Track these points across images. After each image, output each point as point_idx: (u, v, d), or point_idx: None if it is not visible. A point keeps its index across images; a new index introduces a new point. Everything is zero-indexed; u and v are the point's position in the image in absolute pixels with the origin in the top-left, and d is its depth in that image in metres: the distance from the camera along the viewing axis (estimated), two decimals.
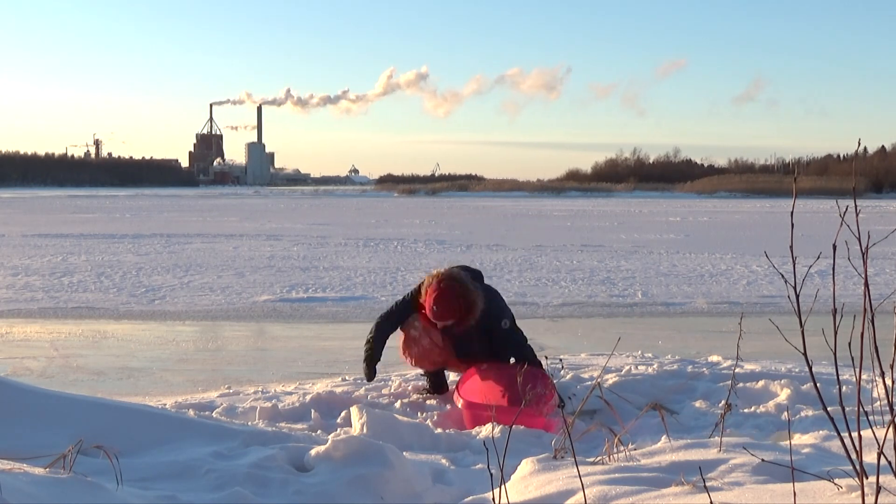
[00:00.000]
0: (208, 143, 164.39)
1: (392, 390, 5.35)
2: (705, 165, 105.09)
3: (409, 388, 5.33)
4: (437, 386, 5.23)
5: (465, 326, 4.98)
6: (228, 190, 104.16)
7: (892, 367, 2.09)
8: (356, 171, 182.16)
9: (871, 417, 2.28)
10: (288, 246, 18.10)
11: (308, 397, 5.07)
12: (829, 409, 2.34)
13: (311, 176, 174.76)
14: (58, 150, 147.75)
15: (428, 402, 5.11)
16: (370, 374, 5.11)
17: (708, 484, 2.35)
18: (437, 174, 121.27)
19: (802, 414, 4.56)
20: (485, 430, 4.40)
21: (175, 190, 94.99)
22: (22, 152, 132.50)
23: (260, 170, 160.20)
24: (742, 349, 3.77)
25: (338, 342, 7.67)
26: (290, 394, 5.28)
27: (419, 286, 5.11)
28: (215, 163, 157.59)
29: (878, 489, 2.01)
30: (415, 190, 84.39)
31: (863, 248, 2.12)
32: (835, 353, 2.09)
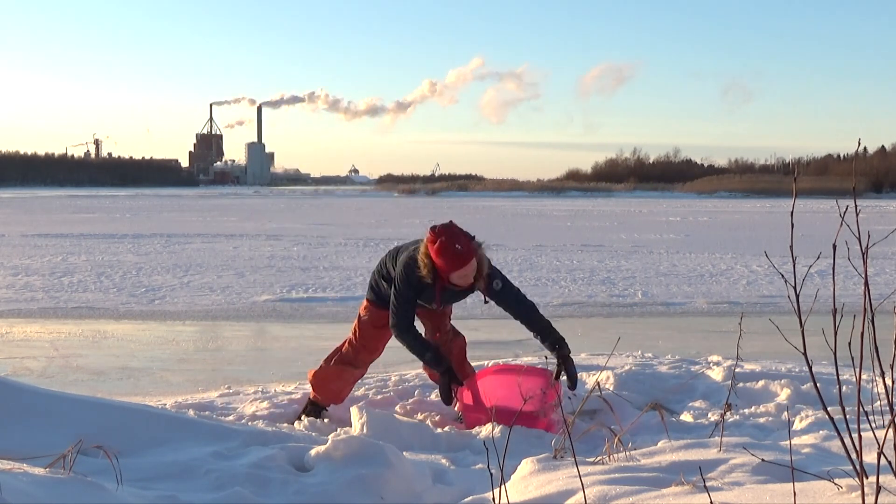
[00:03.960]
0: (208, 143, 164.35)
1: (392, 390, 5.35)
2: (705, 165, 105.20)
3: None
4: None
5: (472, 285, 4.58)
6: (228, 190, 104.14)
7: (892, 367, 2.09)
8: (356, 171, 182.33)
9: (871, 417, 2.28)
10: (288, 246, 18.09)
11: (308, 397, 5.08)
12: (829, 409, 2.35)
13: (311, 176, 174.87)
14: (58, 150, 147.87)
15: (428, 399, 5.11)
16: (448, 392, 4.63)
17: (708, 484, 2.35)
18: (437, 174, 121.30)
19: (802, 414, 4.55)
20: (485, 430, 4.40)
21: (175, 190, 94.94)
22: (22, 152, 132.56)
23: (260, 170, 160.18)
24: (742, 349, 3.77)
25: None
26: (290, 394, 5.28)
27: (408, 262, 4.59)
28: (219, 162, 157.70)
29: (878, 489, 2.01)
30: (415, 190, 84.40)
31: (863, 248, 2.12)
32: (835, 353, 2.09)
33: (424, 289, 4.58)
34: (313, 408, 4.86)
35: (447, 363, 4.63)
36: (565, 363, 4.51)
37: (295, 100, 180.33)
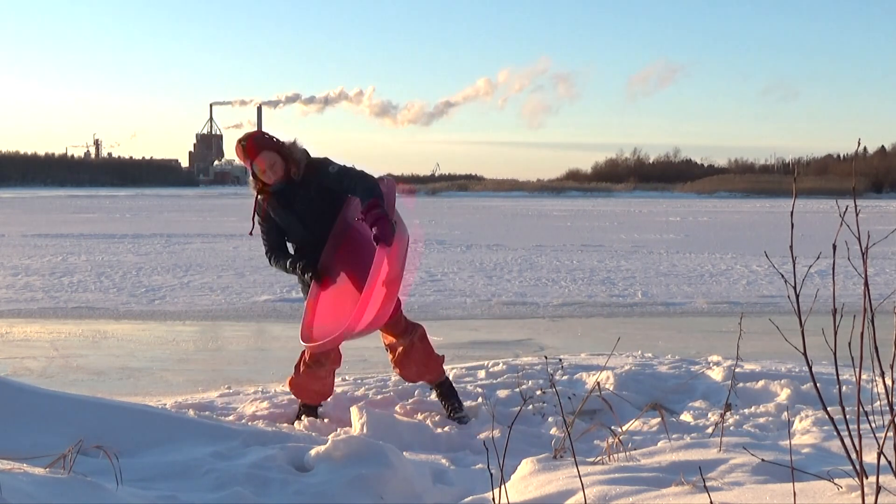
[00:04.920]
0: (208, 143, 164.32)
1: (392, 390, 5.34)
2: (705, 165, 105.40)
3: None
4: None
5: (295, 180, 4.58)
6: (228, 190, 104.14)
7: (892, 367, 2.09)
8: None
9: (871, 417, 2.28)
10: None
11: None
12: (829, 409, 2.35)
13: None
14: (58, 150, 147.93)
15: (428, 399, 5.11)
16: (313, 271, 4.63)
17: (708, 484, 2.35)
18: (437, 174, 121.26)
19: (802, 414, 4.56)
20: (485, 430, 4.41)
21: (175, 190, 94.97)
22: (22, 152, 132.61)
23: None
24: (742, 349, 3.78)
25: None
26: (290, 394, 5.27)
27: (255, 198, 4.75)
28: (219, 161, 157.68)
29: (878, 489, 2.01)
30: (415, 190, 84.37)
31: (863, 248, 2.12)
32: (835, 353, 2.09)
33: (265, 207, 4.74)
34: (307, 409, 4.85)
35: (307, 259, 4.63)
36: (376, 223, 4.31)
37: (343, 96, 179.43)
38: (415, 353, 4.73)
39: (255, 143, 4.60)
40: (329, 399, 4.98)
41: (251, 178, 4.73)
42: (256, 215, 4.83)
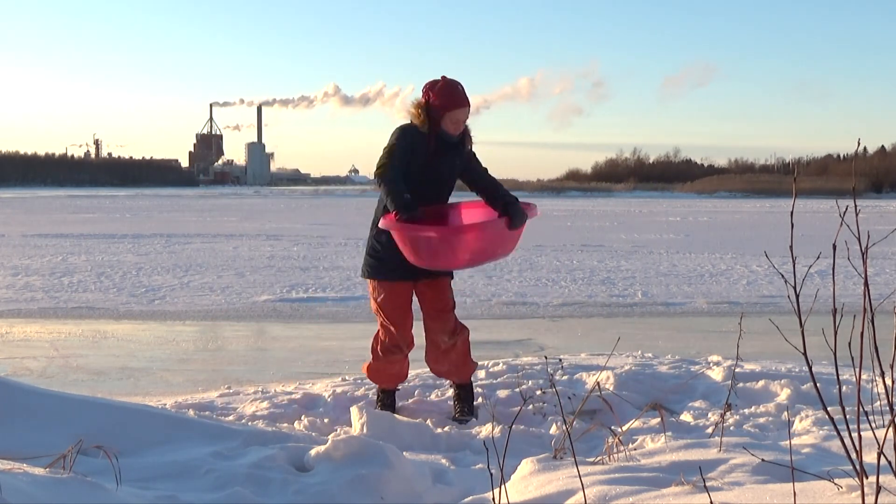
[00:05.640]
0: (208, 143, 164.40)
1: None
2: (705, 165, 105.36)
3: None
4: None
5: (455, 141, 4.67)
6: (228, 190, 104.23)
7: (892, 366, 2.09)
8: (356, 171, 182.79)
9: (871, 417, 2.28)
10: (288, 246, 18.09)
11: (308, 397, 5.08)
12: (829, 409, 2.35)
13: (311, 176, 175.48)
14: (58, 150, 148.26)
15: (428, 399, 5.11)
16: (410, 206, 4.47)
17: (708, 484, 2.35)
18: None
19: (802, 414, 4.56)
20: (485, 430, 4.41)
21: (175, 190, 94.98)
22: (22, 152, 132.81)
23: (260, 170, 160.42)
24: (742, 349, 3.78)
25: (338, 342, 7.67)
26: (290, 394, 5.27)
27: (400, 126, 4.69)
28: (219, 161, 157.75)
29: (878, 489, 2.01)
30: None
31: (863, 248, 2.12)
32: (835, 353, 2.09)
33: (418, 143, 4.60)
34: (384, 394, 4.91)
35: (415, 209, 4.48)
36: (511, 207, 4.66)
37: (378, 95, 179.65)
38: (453, 355, 4.81)
39: (467, 99, 4.69)
40: (329, 399, 4.99)
41: (419, 111, 4.63)
42: (401, 139, 4.63)
